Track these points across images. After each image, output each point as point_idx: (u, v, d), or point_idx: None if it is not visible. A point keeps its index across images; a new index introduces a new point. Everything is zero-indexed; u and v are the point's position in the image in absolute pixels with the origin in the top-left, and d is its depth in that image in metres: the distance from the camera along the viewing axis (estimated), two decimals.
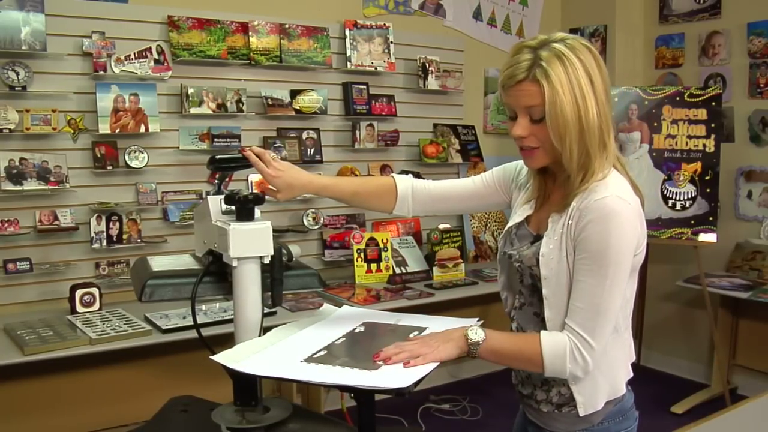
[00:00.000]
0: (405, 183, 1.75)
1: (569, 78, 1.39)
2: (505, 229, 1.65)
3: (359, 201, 1.79)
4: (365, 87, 3.99)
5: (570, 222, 1.44)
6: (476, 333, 1.42)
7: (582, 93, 1.40)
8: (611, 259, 1.39)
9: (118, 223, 3.28)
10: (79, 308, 2.99)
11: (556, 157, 1.47)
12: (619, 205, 1.40)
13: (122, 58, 3.27)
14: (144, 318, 2.92)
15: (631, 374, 1.58)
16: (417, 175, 4.27)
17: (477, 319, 1.53)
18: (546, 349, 1.41)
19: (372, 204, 1.77)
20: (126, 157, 3.28)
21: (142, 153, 3.32)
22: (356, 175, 3.97)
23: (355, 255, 3.82)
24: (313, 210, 3.86)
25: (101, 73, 3.20)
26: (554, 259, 1.46)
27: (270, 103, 3.67)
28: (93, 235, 3.23)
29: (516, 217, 1.63)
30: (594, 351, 1.40)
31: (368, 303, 3.34)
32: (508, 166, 1.73)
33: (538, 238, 1.54)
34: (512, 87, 1.43)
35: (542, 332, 1.44)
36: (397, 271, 3.89)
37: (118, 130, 3.23)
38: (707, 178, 3.98)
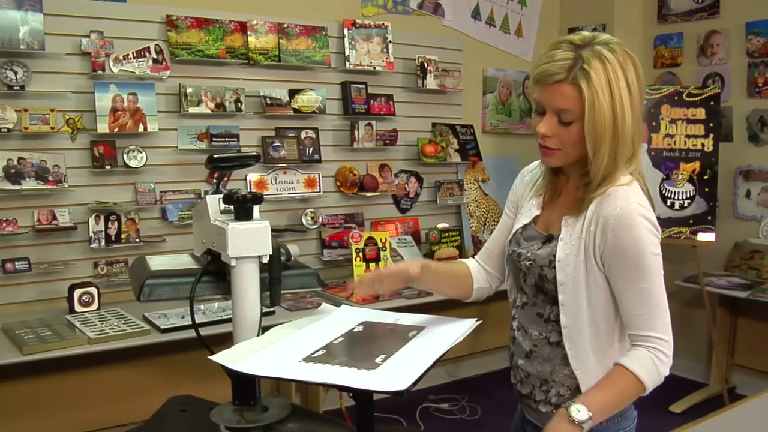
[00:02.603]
0: (471, 263, 1.77)
1: (609, 83, 1.36)
2: (512, 231, 1.65)
3: (439, 289, 1.80)
4: (364, 86, 3.99)
5: (592, 228, 1.44)
6: (578, 411, 1.37)
7: (621, 101, 1.38)
8: (650, 258, 1.41)
9: (116, 223, 3.27)
10: (77, 308, 2.99)
11: (574, 159, 1.46)
12: (642, 210, 1.41)
13: (121, 57, 3.26)
14: (143, 317, 2.92)
15: None
16: (417, 175, 4.29)
17: (475, 319, 1.53)
18: (640, 373, 1.41)
19: (450, 291, 1.78)
20: (124, 157, 3.28)
21: (141, 152, 3.31)
22: (354, 175, 3.98)
23: (354, 254, 3.82)
24: (312, 209, 3.86)
25: (100, 72, 3.20)
26: (570, 265, 1.46)
27: (268, 102, 3.67)
28: (91, 234, 3.23)
29: (523, 219, 1.62)
30: (671, 345, 1.43)
31: (367, 302, 3.34)
32: (515, 183, 1.73)
33: (549, 238, 1.54)
34: (549, 86, 1.40)
35: (622, 360, 1.43)
36: None
37: (116, 130, 3.23)
38: (706, 177, 3.98)
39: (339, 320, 1.58)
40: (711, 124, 3.99)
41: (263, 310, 1.42)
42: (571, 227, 1.48)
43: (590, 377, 1.49)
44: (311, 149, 3.83)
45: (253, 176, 3.66)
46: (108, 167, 3.24)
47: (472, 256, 1.82)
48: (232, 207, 1.38)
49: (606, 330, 1.49)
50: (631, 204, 1.41)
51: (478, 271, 1.76)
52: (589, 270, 1.45)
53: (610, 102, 1.37)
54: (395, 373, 1.23)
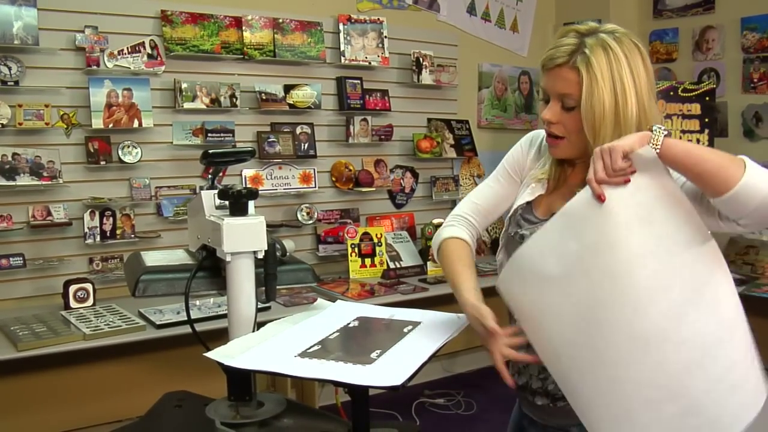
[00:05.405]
0: (463, 233, 1.67)
1: (611, 70, 1.37)
2: (513, 209, 1.62)
3: None
4: (359, 82, 3.98)
5: None
6: (659, 128, 1.24)
7: (623, 87, 1.38)
8: None
9: (111, 219, 3.27)
10: (72, 304, 2.98)
11: (579, 150, 1.46)
12: None
13: (115, 52, 3.25)
14: (138, 313, 2.92)
15: None
16: (412, 171, 4.29)
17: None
18: (749, 161, 1.22)
19: None
20: (119, 152, 3.27)
21: (136, 148, 3.31)
22: (349, 170, 3.97)
23: (349, 250, 3.82)
24: (307, 205, 3.86)
25: (94, 67, 3.19)
26: None
27: (264, 97, 3.67)
28: (86, 230, 3.22)
29: (526, 196, 1.58)
30: None
31: (362, 298, 3.34)
32: (515, 149, 1.68)
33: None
34: (551, 70, 1.42)
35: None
36: (391, 265, 3.89)
37: (111, 125, 3.22)
38: None
39: (334, 315, 1.59)
40: (706, 120, 4.00)
41: (258, 306, 1.42)
42: None
43: None
44: (306, 144, 3.82)
45: (248, 172, 3.66)
46: (103, 163, 3.23)
47: (452, 211, 1.72)
48: (227, 202, 1.38)
49: None
50: None
51: (471, 237, 1.67)
52: None
53: (611, 88, 1.37)
54: (391, 369, 1.24)
